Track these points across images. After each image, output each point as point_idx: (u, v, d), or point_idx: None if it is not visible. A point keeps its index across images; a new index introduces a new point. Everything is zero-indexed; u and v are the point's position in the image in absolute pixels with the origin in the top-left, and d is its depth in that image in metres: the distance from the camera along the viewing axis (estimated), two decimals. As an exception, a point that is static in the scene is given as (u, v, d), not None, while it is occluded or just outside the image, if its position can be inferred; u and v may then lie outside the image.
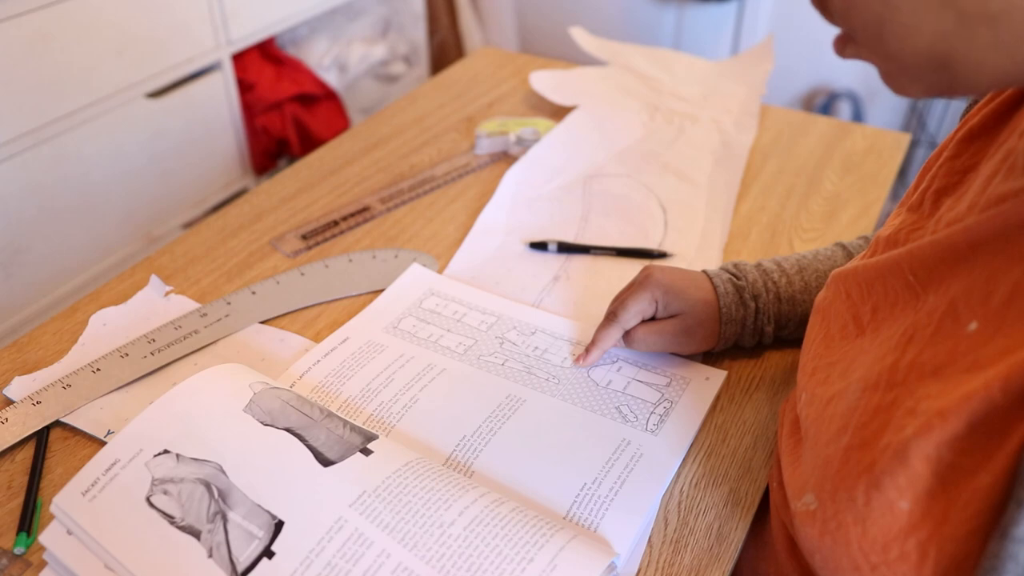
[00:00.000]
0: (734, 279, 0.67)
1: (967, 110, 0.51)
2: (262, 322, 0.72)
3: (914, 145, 2.06)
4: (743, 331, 0.66)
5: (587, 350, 0.66)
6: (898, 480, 0.38)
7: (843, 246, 0.70)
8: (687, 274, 0.67)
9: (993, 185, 0.41)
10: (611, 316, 0.65)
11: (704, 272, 0.67)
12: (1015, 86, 0.38)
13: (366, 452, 0.53)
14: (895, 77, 0.39)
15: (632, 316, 0.65)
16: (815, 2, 0.40)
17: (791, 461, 0.49)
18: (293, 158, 1.67)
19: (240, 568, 0.47)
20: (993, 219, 0.39)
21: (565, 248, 0.82)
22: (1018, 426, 0.35)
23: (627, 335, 0.66)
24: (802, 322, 0.66)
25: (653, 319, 0.66)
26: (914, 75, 0.38)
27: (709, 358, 0.69)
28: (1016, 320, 0.36)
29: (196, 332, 0.70)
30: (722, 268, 0.69)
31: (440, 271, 0.80)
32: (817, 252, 0.70)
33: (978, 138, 0.46)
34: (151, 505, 0.51)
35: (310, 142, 1.65)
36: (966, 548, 0.36)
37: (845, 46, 0.40)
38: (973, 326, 0.38)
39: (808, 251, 0.70)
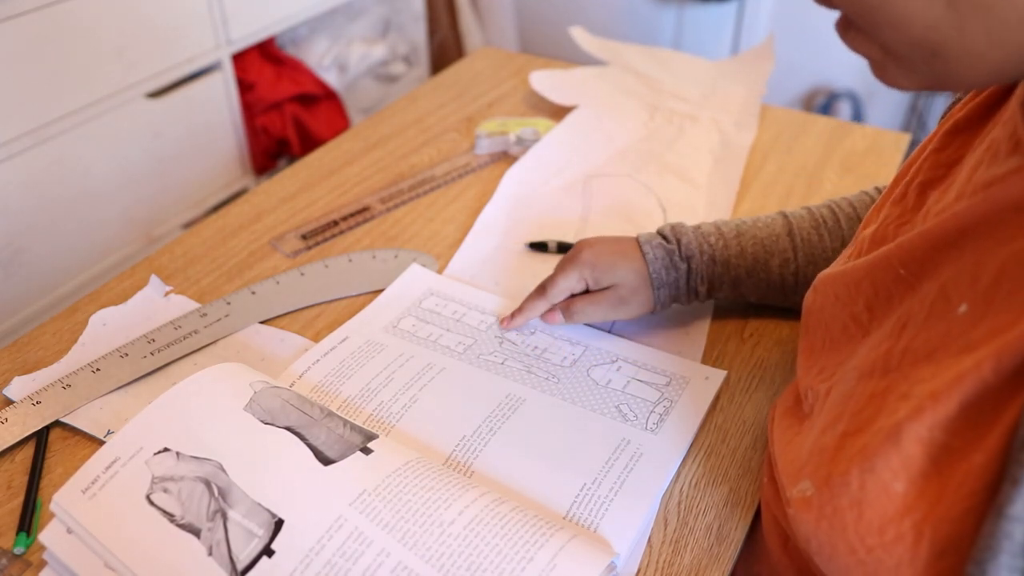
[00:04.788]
0: (664, 243, 0.69)
1: (952, 104, 0.51)
2: (262, 322, 0.72)
3: (914, 145, 2.05)
4: (677, 292, 0.69)
5: (512, 315, 0.70)
6: (892, 462, 0.38)
7: (784, 215, 0.72)
8: (617, 246, 0.69)
9: (978, 173, 0.41)
10: (540, 289, 0.69)
11: (636, 239, 0.70)
12: (1005, 80, 0.38)
13: (366, 451, 0.53)
14: (889, 69, 0.39)
15: (560, 292, 0.68)
16: None
17: (784, 448, 0.49)
18: (293, 158, 1.67)
19: (240, 566, 0.47)
20: (979, 204, 0.39)
21: (565, 248, 0.82)
22: (1010, 405, 0.35)
23: (565, 310, 0.69)
24: (734, 286, 0.70)
25: (587, 292, 0.69)
26: (907, 66, 0.38)
27: (709, 358, 0.69)
28: (1004, 300, 0.36)
29: (196, 332, 0.70)
30: (658, 231, 0.71)
31: (440, 271, 0.80)
32: (758, 219, 0.72)
33: (963, 131, 0.47)
34: (151, 503, 0.51)
35: (310, 142, 1.65)
36: (961, 528, 0.36)
37: (847, 30, 0.40)
38: (963, 309, 0.38)
39: (750, 217, 0.72)
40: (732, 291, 0.70)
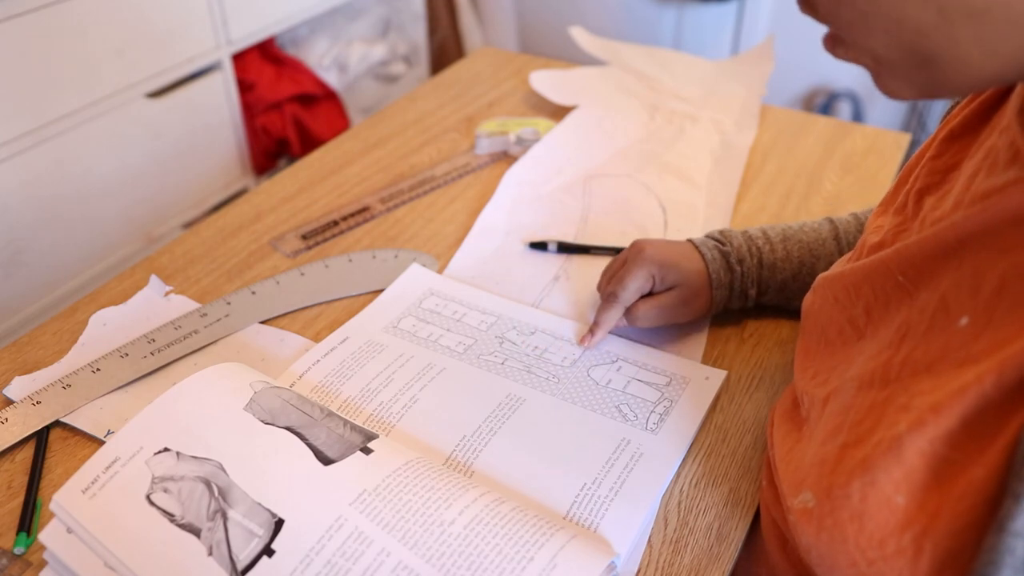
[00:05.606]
0: (719, 245, 0.69)
1: (949, 111, 0.51)
2: (262, 322, 0.72)
3: (914, 145, 2.05)
4: (731, 295, 0.69)
5: (591, 331, 0.68)
6: (893, 475, 0.38)
7: (831, 220, 0.72)
8: (676, 246, 0.69)
9: (976, 182, 0.41)
10: (612, 297, 0.67)
11: (690, 241, 0.70)
12: (1001, 84, 0.37)
13: (366, 451, 0.53)
14: (883, 78, 0.39)
15: (632, 294, 0.67)
16: (801, 3, 0.40)
17: (785, 456, 0.49)
18: (293, 158, 1.67)
19: (240, 566, 0.47)
20: (978, 214, 0.39)
21: (565, 248, 0.82)
22: (1011, 419, 0.35)
23: (628, 313, 0.68)
24: (780, 290, 0.70)
25: (650, 294, 0.68)
26: (901, 75, 0.38)
27: (709, 358, 0.69)
28: (1005, 313, 0.36)
29: (196, 332, 0.70)
30: (707, 236, 0.71)
31: (440, 271, 0.80)
32: (804, 223, 0.72)
33: (960, 138, 0.47)
34: (151, 503, 0.51)
35: (310, 142, 1.65)
36: (962, 542, 0.36)
37: (836, 45, 0.40)
38: (964, 321, 0.38)
39: (796, 222, 0.72)
40: (778, 295, 0.70)
